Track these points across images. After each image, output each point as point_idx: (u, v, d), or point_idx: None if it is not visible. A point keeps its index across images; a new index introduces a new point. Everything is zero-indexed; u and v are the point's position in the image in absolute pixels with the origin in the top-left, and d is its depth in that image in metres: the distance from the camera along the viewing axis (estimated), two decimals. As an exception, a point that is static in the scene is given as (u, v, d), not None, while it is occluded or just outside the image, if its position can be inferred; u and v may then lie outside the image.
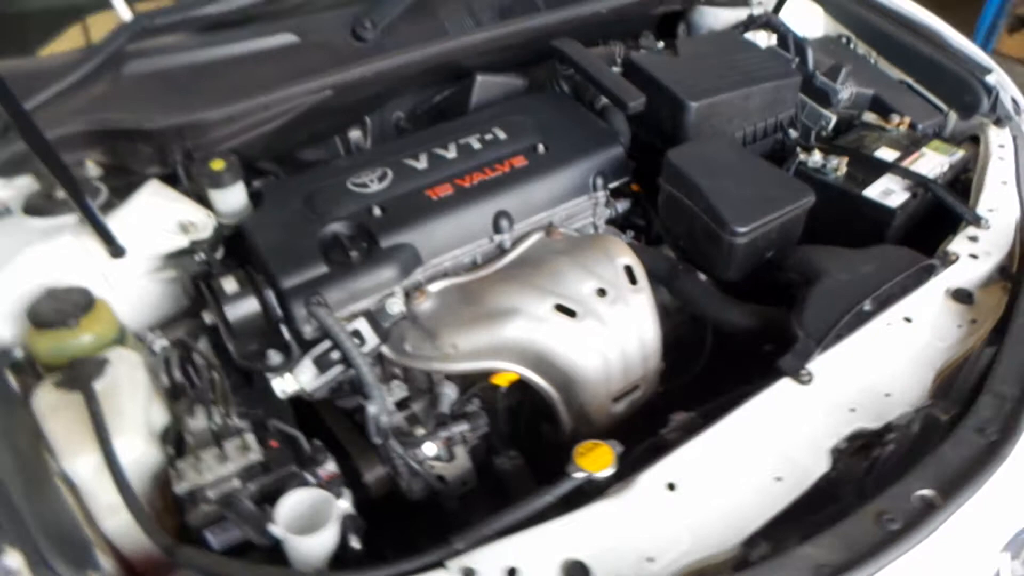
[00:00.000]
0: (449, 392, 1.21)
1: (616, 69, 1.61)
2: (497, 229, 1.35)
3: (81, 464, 0.93)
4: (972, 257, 1.33)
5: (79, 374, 0.97)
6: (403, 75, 1.50)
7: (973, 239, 1.36)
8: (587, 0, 1.66)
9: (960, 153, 1.54)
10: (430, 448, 1.15)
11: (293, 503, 0.94)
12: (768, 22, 1.77)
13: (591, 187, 1.44)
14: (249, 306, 1.15)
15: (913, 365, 1.17)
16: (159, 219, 1.22)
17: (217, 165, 1.26)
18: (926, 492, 0.94)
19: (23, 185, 1.25)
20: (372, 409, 1.13)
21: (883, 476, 1.03)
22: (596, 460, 1.01)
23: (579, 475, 0.99)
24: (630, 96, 1.45)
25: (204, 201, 1.29)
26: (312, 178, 1.35)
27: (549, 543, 0.92)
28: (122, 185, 1.27)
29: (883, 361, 1.15)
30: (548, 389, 1.25)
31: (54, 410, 0.97)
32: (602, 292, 1.24)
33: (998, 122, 1.62)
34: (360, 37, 1.52)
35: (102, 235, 1.12)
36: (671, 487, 0.98)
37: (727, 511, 0.97)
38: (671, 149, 1.38)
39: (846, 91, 1.66)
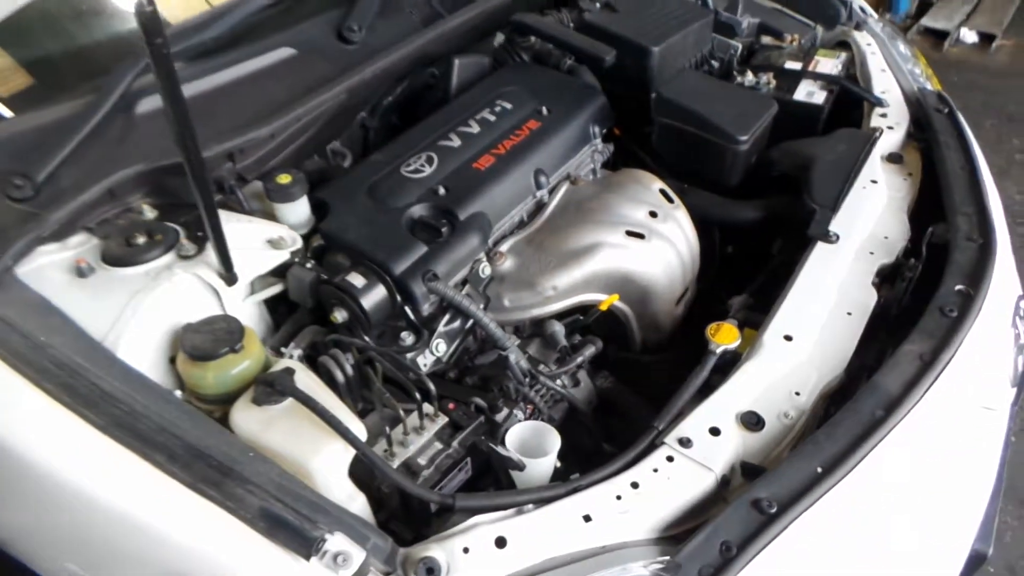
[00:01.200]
0: (559, 329, 1.35)
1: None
2: (538, 185, 1.49)
3: (318, 462, 0.96)
4: (890, 128, 1.69)
5: (280, 386, 1.00)
6: (396, 70, 1.58)
7: (883, 115, 1.73)
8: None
9: (843, 55, 1.92)
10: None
11: (518, 434, 1.05)
12: (668, -26, 2.04)
13: (591, 136, 1.63)
14: (378, 294, 1.20)
15: (890, 212, 1.50)
16: (249, 241, 1.23)
17: (284, 179, 1.29)
18: (960, 286, 1.25)
19: (78, 243, 1.20)
20: (512, 357, 1.24)
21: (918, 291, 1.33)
22: (726, 335, 1.22)
23: (719, 349, 1.20)
24: (603, 51, 1.65)
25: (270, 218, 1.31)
26: (362, 176, 1.40)
27: (722, 405, 1.11)
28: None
29: (870, 214, 1.47)
30: (623, 308, 1.43)
31: (267, 425, 0.99)
32: (653, 214, 1.44)
33: (857, 27, 2.03)
34: (348, 40, 1.57)
35: (225, 265, 1.12)
36: (788, 338, 1.21)
37: (830, 346, 1.22)
38: (661, 87, 1.61)
39: (745, 22, 1.98)
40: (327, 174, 1.51)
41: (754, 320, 1.32)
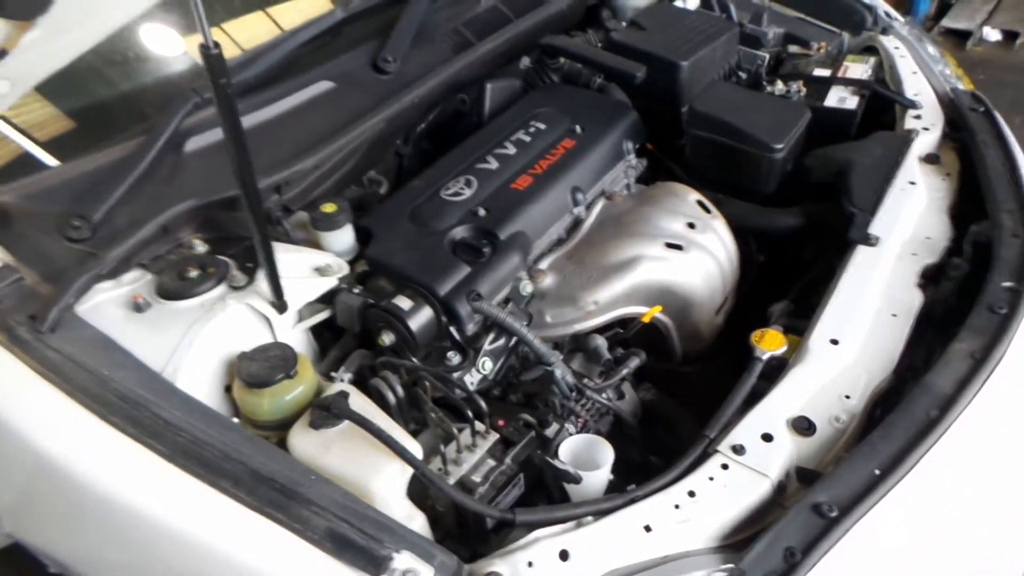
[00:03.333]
0: (602, 343, 1.35)
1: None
2: (575, 202, 1.51)
3: (379, 483, 0.98)
4: (925, 130, 1.68)
5: (336, 409, 1.02)
6: (431, 97, 1.62)
7: (917, 117, 1.72)
8: (549, 3, 1.87)
9: (873, 59, 1.91)
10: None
11: (571, 447, 1.05)
12: (690, -10, 2.07)
13: (624, 152, 1.65)
14: (424, 316, 1.22)
15: (931, 212, 1.48)
16: (297, 270, 1.26)
17: (330, 208, 1.32)
18: (1009, 283, 1.23)
19: (133, 279, 1.24)
20: (558, 372, 1.25)
21: (966, 291, 1.32)
22: (772, 342, 1.21)
23: (765, 356, 1.19)
24: (633, 68, 1.67)
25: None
26: (402, 202, 1.43)
27: (772, 411, 1.11)
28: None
29: (911, 216, 1.46)
30: (664, 319, 1.43)
31: (325, 448, 1.01)
32: (691, 225, 1.45)
33: (884, 31, 2.02)
34: (383, 71, 1.62)
35: (276, 293, 1.15)
36: (834, 342, 1.20)
37: (878, 348, 1.21)
38: (693, 100, 1.62)
39: (771, 32, 1.99)
40: (365, 202, 1.55)
41: (796, 326, 1.31)
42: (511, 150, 1.54)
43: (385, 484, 0.98)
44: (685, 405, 1.42)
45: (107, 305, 1.18)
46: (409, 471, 0.99)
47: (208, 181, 1.34)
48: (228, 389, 1.15)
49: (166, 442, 0.95)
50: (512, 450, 1.12)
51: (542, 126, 1.61)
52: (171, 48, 1.60)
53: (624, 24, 1.90)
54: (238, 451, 0.94)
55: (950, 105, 1.74)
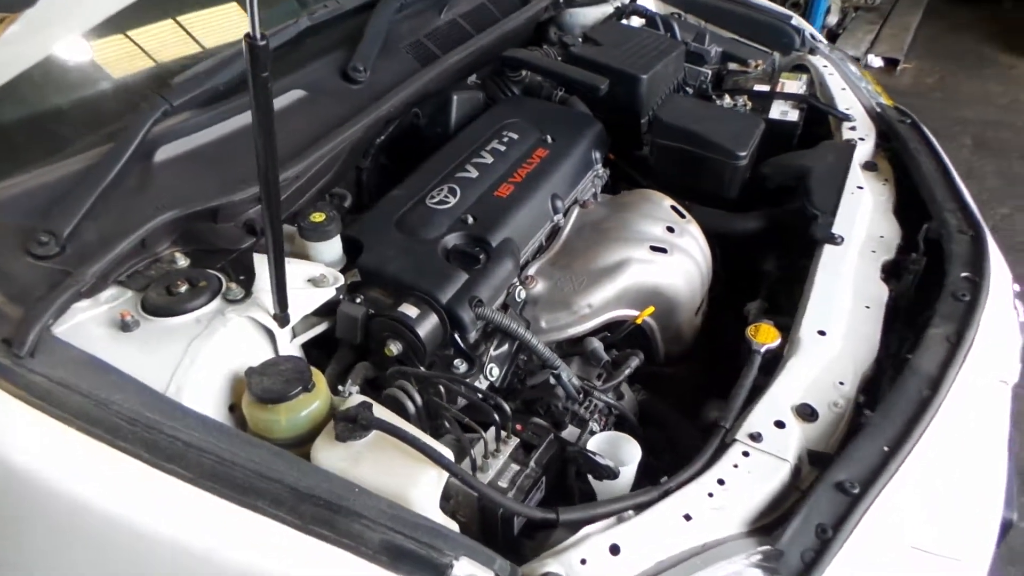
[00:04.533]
0: (599, 345, 1.37)
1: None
2: (555, 209, 1.53)
3: (417, 492, 0.95)
4: (861, 140, 1.83)
5: (364, 420, 0.98)
6: (403, 108, 1.60)
7: (852, 128, 1.87)
8: (507, 18, 1.90)
9: (806, 76, 2.07)
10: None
11: (597, 445, 1.06)
12: (635, 10, 2.16)
13: (593, 161, 1.69)
14: (431, 323, 1.20)
15: (878, 213, 1.61)
16: (292, 281, 1.20)
17: (319, 218, 1.28)
18: (966, 273, 1.36)
19: (111, 296, 1.15)
20: (564, 375, 1.26)
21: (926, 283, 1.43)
22: (767, 335, 1.27)
23: (762, 349, 1.25)
24: (597, 81, 1.72)
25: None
26: (387, 211, 1.40)
27: (779, 400, 1.16)
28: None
29: (864, 217, 1.58)
30: (650, 321, 1.48)
31: (355, 461, 0.96)
32: (670, 229, 1.50)
33: (812, 51, 2.19)
34: (353, 80, 1.58)
35: (281, 305, 1.10)
36: (821, 333, 1.28)
37: (859, 337, 1.29)
38: (659, 111, 1.69)
39: (712, 50, 2.11)
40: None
41: (776, 322, 1.38)
42: (488, 159, 1.55)
43: (423, 493, 0.95)
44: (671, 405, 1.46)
45: (88, 325, 1.08)
46: (443, 478, 0.97)
47: (184, 192, 1.27)
48: (231, 408, 1.08)
49: (189, 465, 0.88)
50: (534, 453, 1.11)
51: (515, 136, 1.63)
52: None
53: (580, 40, 1.95)
54: (271, 468, 0.88)
55: (878, 118, 1.90)
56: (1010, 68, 4.64)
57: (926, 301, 1.39)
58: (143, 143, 1.28)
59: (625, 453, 1.08)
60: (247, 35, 0.81)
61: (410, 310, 1.19)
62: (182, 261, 1.22)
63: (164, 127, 1.34)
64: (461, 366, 1.24)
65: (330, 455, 0.98)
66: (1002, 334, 1.34)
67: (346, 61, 1.60)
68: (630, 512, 0.97)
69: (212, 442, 0.91)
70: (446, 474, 0.96)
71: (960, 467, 1.13)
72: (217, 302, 1.12)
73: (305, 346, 1.28)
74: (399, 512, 0.86)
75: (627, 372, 1.32)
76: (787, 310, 1.49)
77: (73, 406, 0.93)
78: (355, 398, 1.05)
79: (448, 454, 0.99)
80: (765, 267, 1.72)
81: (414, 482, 0.95)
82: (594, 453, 1.04)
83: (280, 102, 1.46)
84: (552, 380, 1.26)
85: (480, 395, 1.13)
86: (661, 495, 0.99)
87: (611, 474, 1.02)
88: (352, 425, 0.98)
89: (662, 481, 1.01)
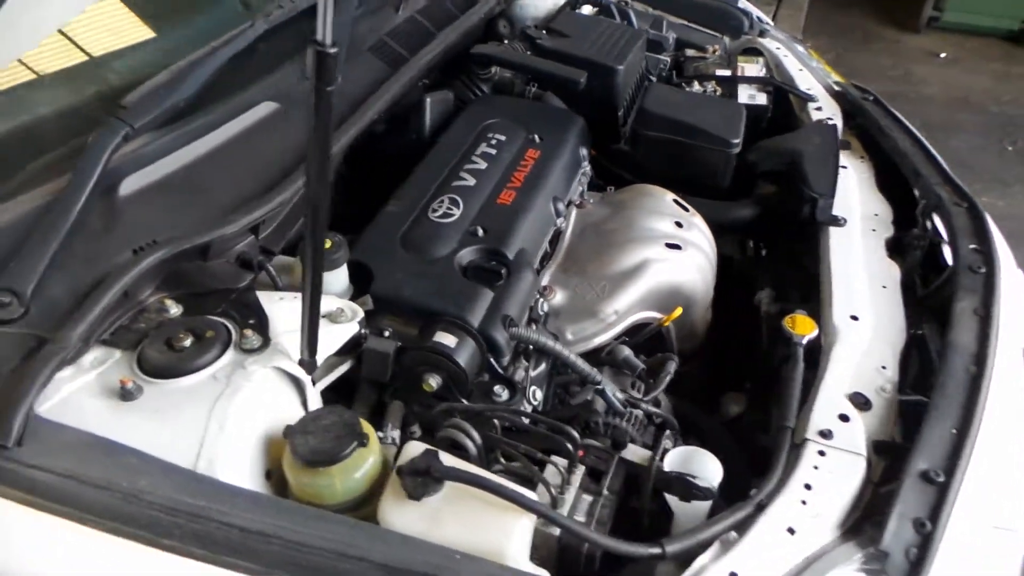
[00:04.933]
0: (630, 353, 1.30)
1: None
2: (557, 213, 1.45)
3: (513, 546, 0.85)
4: (829, 120, 1.85)
5: (438, 472, 0.86)
6: (382, 115, 1.47)
7: (818, 109, 1.89)
8: (467, 14, 1.79)
9: (762, 59, 2.08)
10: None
11: (678, 462, 1.00)
12: (589, -1, 2.11)
13: (581, 159, 1.62)
14: (468, 350, 1.10)
15: (865, 191, 1.63)
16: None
17: (326, 245, 1.13)
18: (973, 245, 1.38)
19: (96, 360, 0.97)
20: (608, 389, 1.18)
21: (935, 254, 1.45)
22: (805, 326, 1.25)
23: (803, 340, 1.22)
24: (575, 75, 1.65)
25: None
26: (386, 230, 1.28)
27: (833, 392, 1.14)
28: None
29: (855, 196, 1.59)
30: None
31: (434, 520, 0.85)
32: (679, 224, 1.46)
33: (762, 34, 2.21)
34: (324, 88, 1.43)
35: (311, 350, 0.96)
36: (854, 318, 1.27)
37: (886, 318, 1.29)
38: (646, 101, 1.63)
39: (671, 37, 2.08)
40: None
41: (790, 310, 1.36)
42: (482, 164, 1.45)
43: (517, 546, 0.85)
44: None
45: (78, 398, 0.91)
46: (532, 526, 0.87)
47: (160, 229, 1.10)
48: (267, 475, 0.93)
49: (254, 555, 0.74)
50: (605, 479, 1.03)
51: (502, 138, 1.53)
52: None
53: (544, 32, 1.87)
54: (351, 545, 0.76)
55: (839, 96, 1.93)
56: (896, 42, 4.96)
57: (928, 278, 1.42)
58: (104, 174, 1.10)
59: (707, 469, 1.02)
60: (314, 40, 0.68)
61: (447, 339, 1.08)
62: (174, 309, 1.05)
63: (122, 154, 1.15)
64: (503, 393, 1.14)
65: (405, 517, 0.86)
66: (1015, 302, 1.37)
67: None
68: (733, 534, 0.91)
69: (272, 523, 0.77)
70: (533, 520, 0.87)
71: (1016, 438, 1.14)
72: (231, 353, 0.97)
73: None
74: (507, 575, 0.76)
75: (668, 378, 1.26)
76: (796, 297, 1.48)
77: (94, 503, 0.77)
78: (413, 446, 0.94)
79: (534, 497, 0.90)
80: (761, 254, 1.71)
81: (507, 535, 0.85)
82: (693, 476, 0.97)
83: (248, 118, 1.30)
84: (590, 396, 1.19)
85: (544, 424, 1.04)
86: (756, 510, 0.94)
87: (708, 495, 0.96)
88: (424, 479, 0.87)
89: (752, 494, 0.96)
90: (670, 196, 1.53)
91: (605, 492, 1.01)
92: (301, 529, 0.77)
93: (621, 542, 0.87)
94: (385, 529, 0.81)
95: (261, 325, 1.02)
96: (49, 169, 1.13)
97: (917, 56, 4.76)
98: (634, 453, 1.09)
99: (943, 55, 4.86)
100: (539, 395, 1.18)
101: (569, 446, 0.98)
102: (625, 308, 1.32)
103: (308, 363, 0.98)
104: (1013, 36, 4.83)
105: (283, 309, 1.06)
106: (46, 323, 0.95)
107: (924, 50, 4.87)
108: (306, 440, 0.89)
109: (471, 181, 1.40)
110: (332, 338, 1.07)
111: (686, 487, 0.97)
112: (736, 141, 1.60)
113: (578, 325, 1.30)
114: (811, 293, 1.39)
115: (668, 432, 1.10)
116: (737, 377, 1.53)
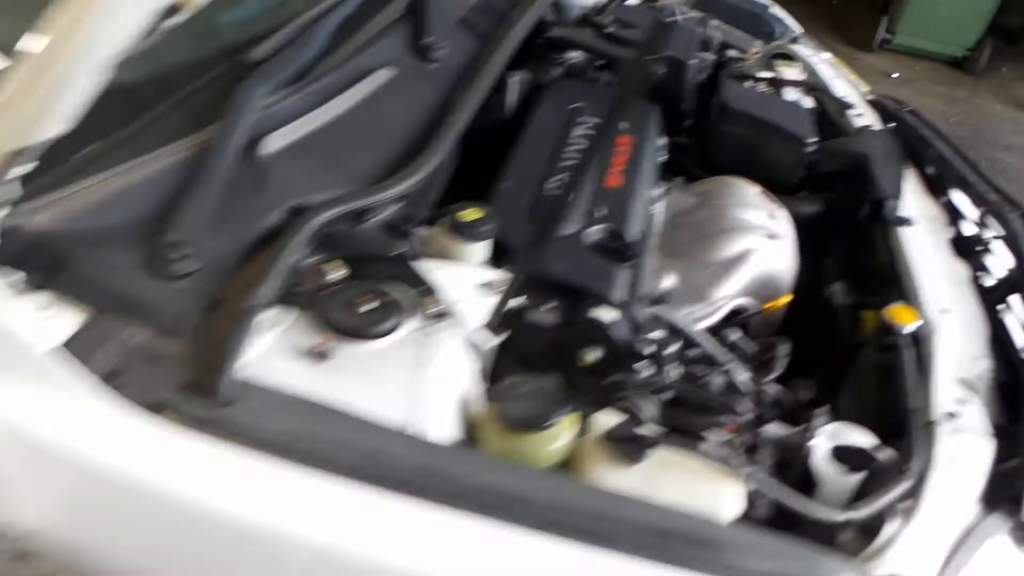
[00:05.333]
0: (738, 336, 1.34)
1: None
2: (652, 199, 1.48)
3: (727, 510, 0.87)
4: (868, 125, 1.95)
5: (650, 438, 0.87)
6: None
7: (859, 116, 1.99)
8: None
9: (800, 64, 2.16)
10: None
11: (834, 438, 1.04)
12: (640, -7, 2.13)
13: (660, 148, 1.65)
14: (623, 327, 1.11)
15: (917, 194, 1.73)
16: (466, 290, 1.05)
17: (474, 214, 1.12)
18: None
19: (272, 320, 0.92)
20: (737, 371, 1.22)
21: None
22: (906, 316, 1.32)
23: (906, 331, 1.30)
24: (656, 64, 1.68)
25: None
26: (510, 205, 1.27)
27: (947, 376, 1.21)
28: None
29: (911, 199, 1.68)
30: (751, 309, 1.48)
31: (655, 483, 0.86)
32: (770, 215, 1.51)
33: (794, 40, 2.30)
34: (430, 58, 1.40)
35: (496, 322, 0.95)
36: (944, 311, 1.35)
37: (968, 312, 1.38)
38: (728, 98, 1.68)
39: (716, 37, 2.14)
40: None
41: (871, 303, 1.44)
42: (583, 146, 1.45)
43: (729, 510, 0.87)
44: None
45: (268, 359, 0.86)
46: (742, 492, 0.90)
47: (306, 189, 1.06)
48: (461, 443, 0.91)
49: (528, 515, 0.73)
50: (759, 453, 1.06)
51: (592, 122, 1.54)
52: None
53: (609, 20, 1.89)
54: (610, 509, 0.76)
55: (875, 105, 2.04)
56: (852, 59, 5.25)
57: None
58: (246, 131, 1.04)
59: (861, 442, 1.06)
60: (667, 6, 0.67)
61: (605, 314, 1.09)
62: (341, 271, 1.00)
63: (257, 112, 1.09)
64: (646, 370, 1.15)
65: (627, 481, 0.86)
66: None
67: (419, 36, 1.41)
68: (908, 502, 0.96)
69: (520, 485, 0.76)
70: (742, 487, 0.89)
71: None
72: (418, 319, 0.94)
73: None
74: (759, 539, 0.78)
75: (784, 361, 1.31)
76: (869, 290, 1.56)
77: (341, 460, 0.74)
78: (604, 417, 0.94)
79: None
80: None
81: (726, 498, 0.87)
82: (874, 454, 1.02)
83: (369, 84, 1.26)
84: (719, 378, 1.22)
85: (707, 399, 1.06)
86: (915, 485, 0.99)
87: (883, 466, 1.01)
88: (638, 444, 0.88)
89: (903, 469, 1.01)
90: (756, 187, 1.58)
91: (759, 465, 1.05)
92: (552, 491, 0.76)
93: (830, 509, 0.90)
94: (630, 494, 0.81)
95: (431, 292, 0.99)
96: (182, 121, 1.06)
97: (871, 75, 5.04)
98: (776, 429, 1.13)
99: (895, 75, 5.19)
100: (674, 373, 1.20)
101: (729, 419, 1.01)
102: (731, 294, 1.36)
103: (495, 330, 0.97)
104: (957, 62, 5.20)
105: (445, 276, 1.04)
106: (218, 279, 0.90)
107: (878, 70, 5.17)
108: (515, 406, 0.88)
109: (577, 162, 1.40)
110: (488, 308, 1.06)
111: (863, 458, 1.01)
112: (811, 139, 1.67)
113: (689, 308, 1.32)
114: (884, 288, 1.47)
115: (820, 408, 1.14)
116: (800, 364, 1.60)
